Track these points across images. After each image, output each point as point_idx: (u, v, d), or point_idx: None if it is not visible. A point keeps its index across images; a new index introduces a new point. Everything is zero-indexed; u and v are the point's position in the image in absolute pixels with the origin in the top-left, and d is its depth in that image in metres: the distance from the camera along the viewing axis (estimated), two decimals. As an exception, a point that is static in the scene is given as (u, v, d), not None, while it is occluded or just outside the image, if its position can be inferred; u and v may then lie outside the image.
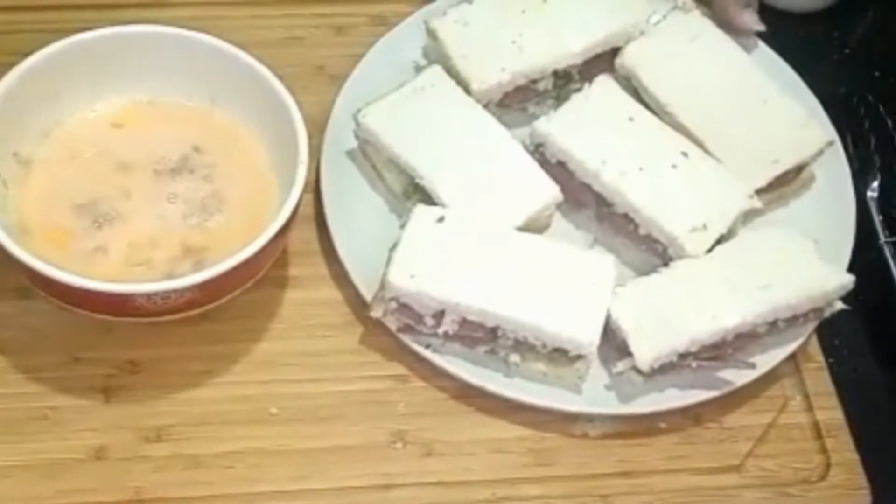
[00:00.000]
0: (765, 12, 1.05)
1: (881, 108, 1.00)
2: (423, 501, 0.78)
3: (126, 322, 0.78)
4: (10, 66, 0.80)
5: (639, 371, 0.79)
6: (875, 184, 0.96)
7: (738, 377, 0.81)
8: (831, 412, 0.84)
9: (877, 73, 1.05)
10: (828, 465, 0.82)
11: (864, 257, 0.91)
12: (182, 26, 0.85)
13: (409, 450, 0.80)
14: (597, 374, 0.81)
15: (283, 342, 0.83)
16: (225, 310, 0.79)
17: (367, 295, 0.81)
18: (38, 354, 0.80)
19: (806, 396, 0.85)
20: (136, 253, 0.79)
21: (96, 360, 0.80)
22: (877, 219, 0.94)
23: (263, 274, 0.80)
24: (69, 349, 0.80)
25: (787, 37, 1.02)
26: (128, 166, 0.83)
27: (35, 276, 0.74)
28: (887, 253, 0.92)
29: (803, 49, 1.05)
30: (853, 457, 0.83)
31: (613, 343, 0.80)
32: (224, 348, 0.82)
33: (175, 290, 0.74)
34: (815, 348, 0.87)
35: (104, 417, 0.78)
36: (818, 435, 0.83)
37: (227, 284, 0.77)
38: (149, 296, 0.74)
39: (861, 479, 0.82)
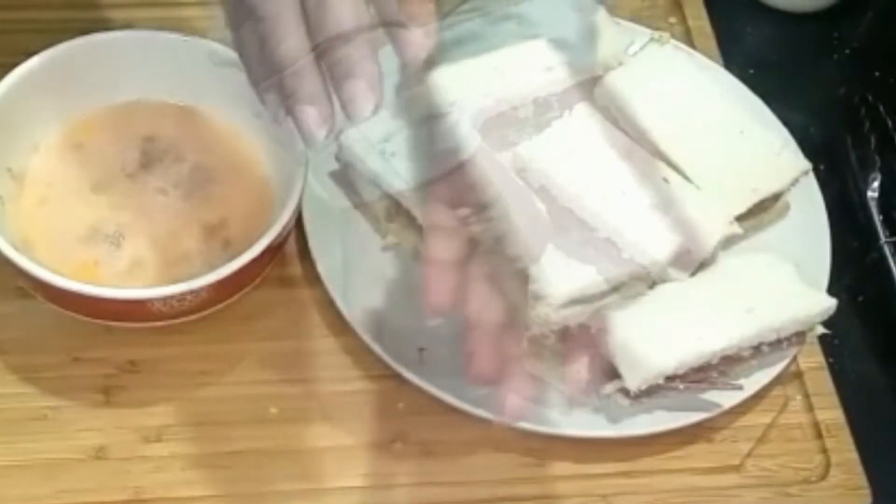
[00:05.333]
0: (765, 12, 1.05)
1: (881, 108, 0.99)
2: (423, 501, 0.78)
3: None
4: (10, 66, 0.80)
5: (626, 393, 0.79)
6: (875, 184, 0.96)
7: (726, 399, 0.81)
8: (831, 412, 0.84)
9: (877, 73, 1.05)
10: (828, 465, 0.82)
11: (864, 257, 0.91)
12: (184, 26, 0.85)
13: (409, 450, 0.80)
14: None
15: (283, 342, 0.83)
16: (225, 310, 0.79)
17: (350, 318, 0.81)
18: (38, 354, 0.80)
19: (806, 396, 0.85)
20: (168, 253, 0.79)
21: (96, 360, 0.80)
22: (877, 219, 0.94)
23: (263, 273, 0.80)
24: (69, 349, 0.80)
25: (787, 37, 1.02)
26: (100, 185, 0.82)
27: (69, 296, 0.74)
28: (887, 253, 0.92)
29: (803, 49, 1.05)
30: (853, 457, 0.83)
31: (600, 366, 0.80)
32: (224, 348, 0.82)
33: (191, 291, 0.74)
34: (815, 348, 0.87)
35: (104, 417, 0.78)
36: (818, 435, 0.83)
37: (268, 256, 0.77)
38: (165, 299, 0.74)
39: (861, 479, 0.82)
